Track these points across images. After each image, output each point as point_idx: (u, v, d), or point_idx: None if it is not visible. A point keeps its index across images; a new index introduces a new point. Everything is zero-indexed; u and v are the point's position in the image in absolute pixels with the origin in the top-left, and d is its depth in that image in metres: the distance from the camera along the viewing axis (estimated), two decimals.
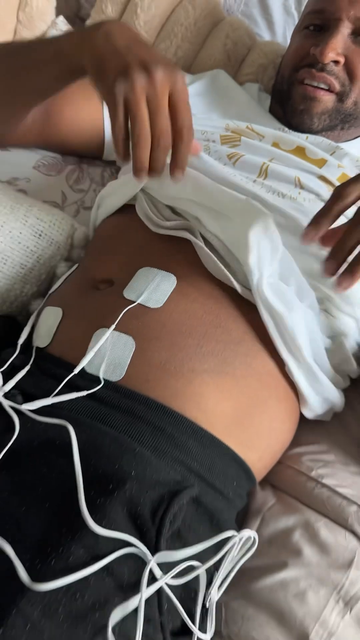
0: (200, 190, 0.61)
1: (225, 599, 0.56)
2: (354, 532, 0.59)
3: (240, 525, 0.62)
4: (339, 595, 0.55)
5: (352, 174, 0.72)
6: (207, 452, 0.54)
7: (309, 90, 0.74)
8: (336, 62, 0.74)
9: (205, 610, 0.49)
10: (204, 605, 0.49)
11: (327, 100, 0.74)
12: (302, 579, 0.56)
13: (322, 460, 0.65)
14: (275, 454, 0.63)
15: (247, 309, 0.58)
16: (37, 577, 0.39)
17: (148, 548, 0.44)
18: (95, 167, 0.85)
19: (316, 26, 0.76)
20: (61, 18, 0.97)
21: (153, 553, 0.44)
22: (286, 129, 0.78)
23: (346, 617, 0.54)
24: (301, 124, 0.76)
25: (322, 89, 0.74)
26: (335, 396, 0.64)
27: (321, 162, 0.72)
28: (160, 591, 0.44)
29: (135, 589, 0.43)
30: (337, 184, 0.69)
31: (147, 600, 0.43)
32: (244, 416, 0.57)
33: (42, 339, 0.60)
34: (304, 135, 0.76)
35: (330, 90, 0.74)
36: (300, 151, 0.73)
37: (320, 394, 0.62)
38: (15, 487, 0.46)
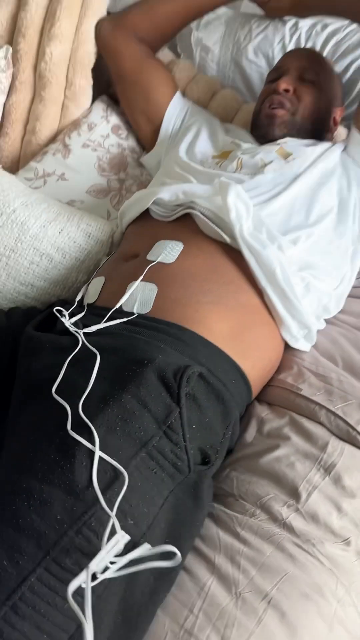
0: (192, 192, 0.88)
1: (235, 474, 0.75)
2: (324, 426, 0.78)
3: (244, 429, 0.82)
4: (319, 465, 0.74)
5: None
6: (211, 354, 0.74)
7: (271, 111, 1.04)
8: (287, 91, 1.05)
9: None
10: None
11: (282, 114, 1.04)
12: (291, 454, 0.75)
13: (301, 378, 0.85)
14: (265, 367, 0.84)
15: (235, 257, 0.82)
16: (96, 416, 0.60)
17: (172, 399, 0.64)
18: (130, 194, 1.13)
19: (274, 79, 1.09)
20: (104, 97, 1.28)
21: (177, 402, 0.64)
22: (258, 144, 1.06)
23: (326, 479, 0.72)
24: (267, 133, 1.05)
25: (279, 108, 1.03)
26: (311, 322, 0.85)
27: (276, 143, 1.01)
28: (183, 425, 0.63)
29: (164, 423, 0.62)
30: (289, 150, 0.97)
31: (172, 428, 0.62)
32: (237, 334, 0.78)
33: (90, 298, 0.84)
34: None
35: (284, 108, 1.04)
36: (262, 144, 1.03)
37: (297, 319, 0.84)
38: (83, 370, 0.66)
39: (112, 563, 0.50)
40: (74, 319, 0.78)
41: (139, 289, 0.78)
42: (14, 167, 1.24)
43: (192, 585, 0.63)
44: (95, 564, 0.48)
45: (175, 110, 1.17)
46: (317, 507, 0.69)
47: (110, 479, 0.56)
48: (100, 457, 0.56)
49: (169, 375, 0.65)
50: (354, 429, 0.77)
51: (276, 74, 1.09)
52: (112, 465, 0.56)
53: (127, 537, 0.51)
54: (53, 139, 1.24)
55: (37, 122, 1.24)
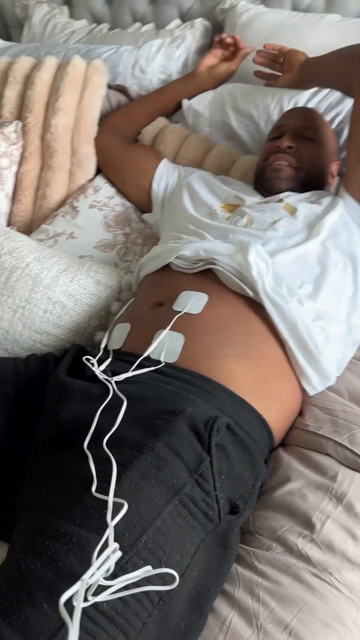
0: (212, 249, 0.93)
1: (252, 511, 0.77)
2: (333, 457, 0.81)
3: None
4: (331, 494, 0.76)
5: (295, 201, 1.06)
6: (236, 406, 0.77)
7: (276, 165, 1.12)
8: (290, 147, 1.12)
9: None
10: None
11: (288, 170, 1.11)
12: (302, 487, 0.77)
13: (308, 413, 0.88)
14: (287, 417, 0.86)
15: (256, 309, 0.85)
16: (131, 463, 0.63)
17: (203, 448, 0.66)
18: (136, 246, 1.21)
19: (276, 137, 1.17)
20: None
21: (207, 452, 0.66)
22: (261, 197, 1.13)
23: (339, 508, 0.74)
24: (273, 186, 1.12)
25: (284, 164, 1.11)
26: (332, 372, 0.88)
27: (280, 200, 1.06)
28: (213, 474, 0.65)
29: (195, 472, 0.64)
30: (294, 205, 1.03)
31: (203, 477, 0.65)
32: (260, 385, 0.81)
33: (116, 343, 0.87)
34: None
35: (289, 165, 1.11)
36: (266, 200, 1.08)
37: (317, 370, 0.86)
38: (114, 419, 0.69)
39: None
40: (103, 366, 0.80)
41: (166, 338, 0.81)
42: (26, 231, 1.32)
43: (213, 620, 0.65)
44: (88, 576, 0.50)
45: (162, 174, 1.27)
46: (331, 536, 0.71)
47: (146, 523, 0.58)
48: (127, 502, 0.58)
49: (200, 425, 0.68)
50: None
51: (278, 132, 1.18)
52: (146, 511, 0.59)
53: (118, 553, 0.53)
54: (62, 203, 1.33)
55: (47, 188, 1.33)
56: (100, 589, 0.52)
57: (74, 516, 0.58)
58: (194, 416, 0.68)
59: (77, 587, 0.50)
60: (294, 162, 1.12)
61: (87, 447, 0.65)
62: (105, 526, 0.56)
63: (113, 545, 0.53)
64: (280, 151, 1.13)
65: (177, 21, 1.75)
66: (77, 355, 0.92)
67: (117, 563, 0.55)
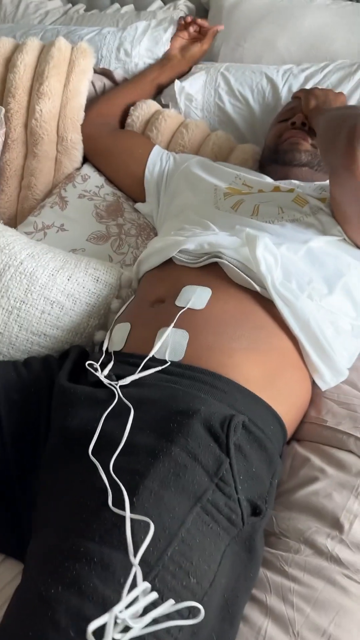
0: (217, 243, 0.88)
1: (273, 512, 0.74)
2: (355, 454, 0.79)
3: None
4: (357, 492, 0.74)
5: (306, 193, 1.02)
6: (248, 401, 0.74)
7: (293, 139, 1.10)
8: (304, 124, 1.10)
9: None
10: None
11: (305, 144, 1.10)
12: (327, 486, 0.75)
13: (324, 409, 0.86)
14: (298, 411, 0.84)
15: (264, 303, 0.82)
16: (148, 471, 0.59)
17: (221, 450, 0.63)
18: (130, 237, 1.15)
19: (287, 119, 1.15)
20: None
21: (226, 453, 0.63)
22: (267, 177, 1.09)
23: None
24: (293, 159, 1.10)
25: (300, 139, 1.09)
26: (344, 367, 0.85)
27: (291, 190, 1.03)
28: (234, 476, 0.62)
29: (215, 475, 0.61)
30: (304, 197, 0.99)
31: (224, 481, 0.62)
32: (271, 379, 0.78)
33: (116, 345, 0.83)
34: (276, 182, 1.08)
35: (305, 140, 1.09)
36: (276, 188, 1.04)
37: (329, 366, 0.83)
38: (122, 424, 0.65)
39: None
40: (106, 371, 0.76)
41: (170, 336, 0.77)
42: (12, 223, 1.26)
43: (247, 630, 0.62)
44: (118, 610, 0.46)
45: (155, 161, 1.22)
46: None
47: (171, 535, 0.55)
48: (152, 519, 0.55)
49: (216, 425, 0.64)
50: None
51: (290, 113, 1.15)
52: (169, 522, 0.55)
53: (152, 595, 0.50)
54: (49, 193, 1.27)
55: (32, 177, 1.27)
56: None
57: (93, 533, 0.54)
58: (208, 416, 0.65)
59: (106, 619, 0.46)
60: (309, 139, 1.10)
61: (99, 456, 0.61)
62: (126, 542, 0.52)
63: (143, 585, 0.49)
64: (295, 127, 1.11)
65: (158, 2, 1.69)
66: (78, 358, 0.87)
67: (144, 579, 0.51)
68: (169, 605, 0.50)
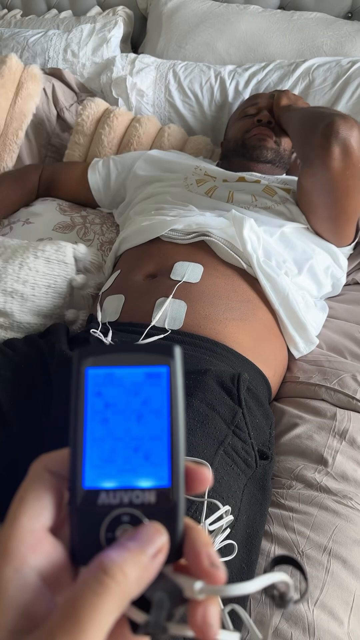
0: (205, 223, 0.94)
1: None
2: (327, 401, 0.88)
3: None
4: (334, 432, 0.83)
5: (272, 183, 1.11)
6: (242, 364, 0.81)
7: (260, 136, 1.17)
8: (269, 122, 1.18)
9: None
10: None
11: (271, 142, 1.17)
12: (308, 430, 0.84)
13: (295, 367, 0.95)
14: (281, 374, 0.92)
15: (248, 279, 0.90)
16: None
17: (233, 401, 0.70)
18: (95, 225, 1.19)
19: (251, 114, 1.22)
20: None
21: (238, 404, 0.70)
22: (227, 171, 1.17)
23: (343, 442, 0.82)
24: (260, 155, 1.17)
25: (266, 136, 1.17)
26: (314, 337, 0.95)
27: (257, 181, 1.11)
28: (247, 424, 0.70)
29: (232, 423, 0.68)
30: (275, 189, 1.07)
31: (239, 427, 0.68)
32: (258, 346, 0.86)
33: (111, 315, 0.87)
34: (240, 174, 1.16)
35: (271, 138, 1.17)
36: (241, 179, 1.12)
37: (304, 337, 0.93)
38: None
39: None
40: (109, 338, 0.80)
41: (169, 305, 0.83)
42: None
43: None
44: (208, 522, 0.53)
45: (97, 180, 1.25)
46: (343, 467, 0.78)
47: None
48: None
49: (227, 380, 0.71)
50: (353, 397, 0.87)
51: (254, 109, 1.22)
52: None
53: (230, 517, 0.56)
54: None
55: None
56: None
57: None
58: (219, 374, 0.72)
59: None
60: (274, 137, 1.18)
61: None
62: None
63: (224, 508, 0.56)
64: (262, 125, 1.18)
65: (97, 8, 1.75)
66: (67, 332, 0.90)
67: (188, 511, 0.57)
68: (229, 520, 0.56)
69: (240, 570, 0.62)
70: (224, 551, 0.59)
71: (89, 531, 0.28)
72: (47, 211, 1.23)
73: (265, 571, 0.28)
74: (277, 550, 0.69)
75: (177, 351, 0.29)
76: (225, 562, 0.58)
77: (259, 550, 0.68)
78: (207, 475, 0.29)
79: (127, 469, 0.28)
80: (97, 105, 1.39)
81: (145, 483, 0.28)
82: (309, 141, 0.93)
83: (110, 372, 0.29)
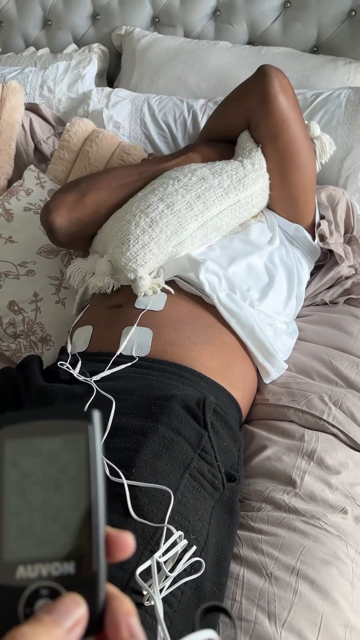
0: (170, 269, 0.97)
1: None
2: (296, 423, 0.90)
3: None
4: (302, 453, 0.84)
5: None
6: (211, 388, 0.83)
7: None
8: None
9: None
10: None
11: None
12: (277, 452, 0.85)
13: (265, 389, 0.97)
14: (250, 396, 0.94)
15: (212, 307, 0.92)
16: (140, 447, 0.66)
17: (199, 425, 0.72)
18: (79, 253, 1.21)
19: None
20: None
21: (204, 427, 0.72)
22: None
23: (311, 463, 0.83)
24: None
25: None
26: (284, 363, 0.97)
27: None
28: (213, 447, 0.71)
29: (198, 446, 0.70)
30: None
31: (205, 451, 0.70)
32: (226, 369, 0.88)
33: (80, 346, 0.90)
34: None
35: None
36: None
37: (275, 366, 0.95)
38: (104, 412, 0.72)
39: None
40: (77, 369, 0.82)
41: (135, 333, 0.85)
42: None
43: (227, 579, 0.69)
44: (158, 556, 0.54)
45: None
46: (311, 487, 0.79)
47: (168, 498, 0.62)
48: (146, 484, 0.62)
49: (193, 405, 0.73)
50: (320, 418, 0.89)
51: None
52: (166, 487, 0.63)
53: (184, 542, 0.58)
54: None
55: None
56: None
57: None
58: (184, 398, 0.74)
59: (149, 563, 0.53)
60: None
61: None
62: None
63: (177, 533, 0.57)
64: None
65: (73, 46, 1.80)
66: (41, 364, 0.92)
67: (152, 537, 0.59)
68: (183, 544, 0.58)
69: (213, 593, 0.63)
70: (190, 571, 0.60)
71: (7, 607, 0.27)
72: (31, 229, 1.23)
73: (195, 622, 0.29)
74: (247, 573, 0.70)
75: (96, 416, 0.29)
76: (198, 585, 0.60)
77: (227, 575, 0.68)
78: (128, 541, 0.28)
79: (45, 540, 0.27)
80: (85, 125, 1.41)
81: (64, 553, 0.27)
82: (245, 91, 1.07)
83: (27, 441, 0.28)
